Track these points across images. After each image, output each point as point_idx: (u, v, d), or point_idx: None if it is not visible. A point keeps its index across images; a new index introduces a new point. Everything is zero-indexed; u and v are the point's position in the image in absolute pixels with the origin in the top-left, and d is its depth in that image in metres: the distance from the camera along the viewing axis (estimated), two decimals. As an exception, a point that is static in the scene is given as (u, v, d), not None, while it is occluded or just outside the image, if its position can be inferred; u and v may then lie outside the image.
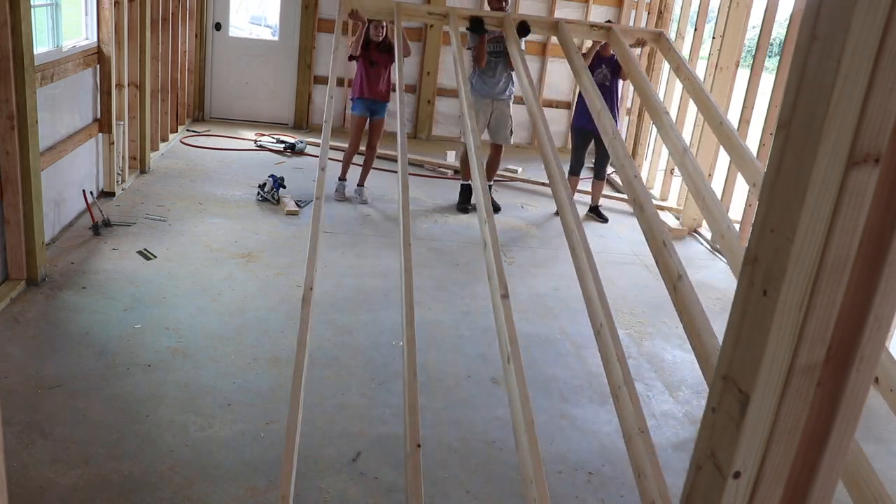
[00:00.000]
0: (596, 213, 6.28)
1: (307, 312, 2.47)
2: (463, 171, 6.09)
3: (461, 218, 5.87)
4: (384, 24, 5.65)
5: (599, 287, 2.50)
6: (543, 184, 6.93)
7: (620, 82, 5.96)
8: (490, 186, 5.93)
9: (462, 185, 6.10)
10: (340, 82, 7.90)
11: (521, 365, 2.17)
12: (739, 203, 5.83)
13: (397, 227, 5.33)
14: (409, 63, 8.03)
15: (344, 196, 5.90)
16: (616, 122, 5.77)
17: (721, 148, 5.95)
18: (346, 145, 6.13)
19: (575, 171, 6.25)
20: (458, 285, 4.56)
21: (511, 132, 6.19)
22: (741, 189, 5.82)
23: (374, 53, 5.77)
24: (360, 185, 5.93)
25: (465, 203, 6.04)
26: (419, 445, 2.10)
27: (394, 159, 7.14)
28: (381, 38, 5.75)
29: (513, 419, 2.08)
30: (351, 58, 5.80)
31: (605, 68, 5.84)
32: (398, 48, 4.01)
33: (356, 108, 5.90)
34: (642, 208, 2.85)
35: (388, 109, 6.01)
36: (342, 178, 5.96)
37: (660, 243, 2.71)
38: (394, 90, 8.15)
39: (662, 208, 6.58)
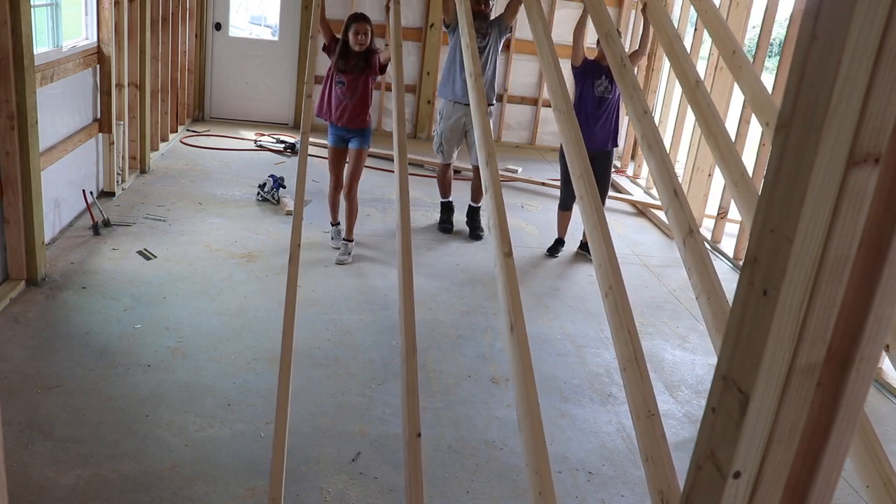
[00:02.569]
0: (587, 250, 5.14)
1: (294, 272, 2.48)
2: (441, 187, 5.52)
3: (461, 218, 5.87)
4: (368, 28, 4.49)
5: (609, 245, 2.20)
6: (543, 183, 6.94)
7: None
8: (478, 209, 5.44)
9: (441, 203, 5.54)
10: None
11: (525, 338, 1.96)
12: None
13: (398, 228, 5.34)
14: (409, 63, 8.04)
15: (340, 240, 4.86)
16: (617, 141, 5.10)
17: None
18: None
19: (567, 205, 5.22)
20: (458, 285, 4.56)
21: None
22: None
23: (349, 67, 4.54)
24: (347, 238, 4.78)
25: (446, 223, 5.50)
26: (419, 435, 1.99)
27: (393, 159, 7.15)
28: (363, 47, 4.50)
29: (517, 405, 1.89)
30: (325, 48, 4.61)
31: (605, 78, 4.85)
32: (394, 33, 3.27)
33: (329, 136, 4.78)
34: (651, 149, 2.46)
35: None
36: (334, 223, 4.95)
37: (671, 191, 2.32)
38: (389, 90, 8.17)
39: (661, 208, 6.57)
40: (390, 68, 3.91)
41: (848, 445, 0.83)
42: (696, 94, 2.75)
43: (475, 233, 5.41)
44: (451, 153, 5.37)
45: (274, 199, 5.58)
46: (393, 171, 7.14)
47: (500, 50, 5.32)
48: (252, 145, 7.28)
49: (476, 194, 5.44)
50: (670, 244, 5.89)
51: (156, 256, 4.35)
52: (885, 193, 0.73)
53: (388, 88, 8.11)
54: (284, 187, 5.68)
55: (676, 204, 2.27)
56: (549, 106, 8.41)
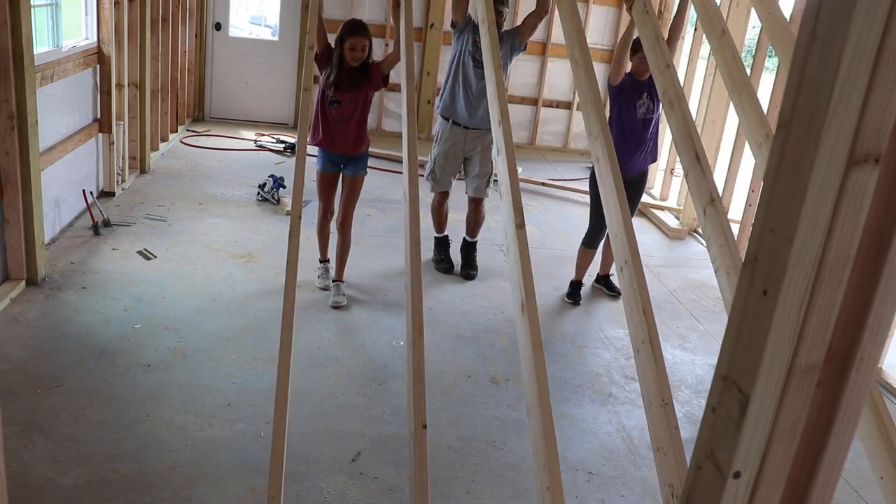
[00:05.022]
0: (605, 283, 4.70)
1: (296, 244, 2.47)
2: (435, 221, 4.89)
3: (462, 217, 5.85)
4: (366, 43, 3.82)
5: (626, 214, 2.05)
6: (543, 183, 6.94)
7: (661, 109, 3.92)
8: (474, 244, 4.81)
9: (436, 238, 4.90)
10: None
11: (535, 316, 1.82)
12: (739, 203, 5.83)
13: (397, 228, 5.34)
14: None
15: (328, 282, 4.25)
16: (657, 156, 4.57)
17: (721, 151, 5.96)
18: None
19: (593, 243, 4.48)
20: (459, 285, 4.56)
21: (490, 182, 4.61)
22: (741, 189, 5.83)
23: (345, 84, 3.87)
24: (338, 279, 4.18)
25: (443, 262, 4.80)
26: (425, 426, 1.90)
27: (395, 159, 7.15)
28: (360, 62, 3.84)
29: (526, 394, 1.78)
30: (317, 57, 3.86)
31: (647, 97, 4.20)
32: (404, 33, 2.94)
33: (318, 161, 4.10)
34: (672, 106, 2.26)
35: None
36: (323, 259, 4.31)
37: (692, 154, 2.14)
38: (394, 87, 8.17)
39: (662, 208, 6.58)
40: (394, 74, 3.75)
41: (848, 445, 0.83)
42: (721, 43, 2.54)
43: (467, 271, 4.73)
44: (444, 182, 4.74)
45: (274, 199, 5.58)
46: (392, 171, 7.17)
47: (509, 66, 4.67)
48: (252, 145, 7.28)
49: (472, 228, 4.80)
50: (670, 244, 5.89)
51: (156, 256, 4.35)
52: (885, 193, 0.73)
53: (390, 89, 8.08)
54: (284, 187, 5.68)
55: (697, 169, 2.11)
56: (550, 106, 8.47)
